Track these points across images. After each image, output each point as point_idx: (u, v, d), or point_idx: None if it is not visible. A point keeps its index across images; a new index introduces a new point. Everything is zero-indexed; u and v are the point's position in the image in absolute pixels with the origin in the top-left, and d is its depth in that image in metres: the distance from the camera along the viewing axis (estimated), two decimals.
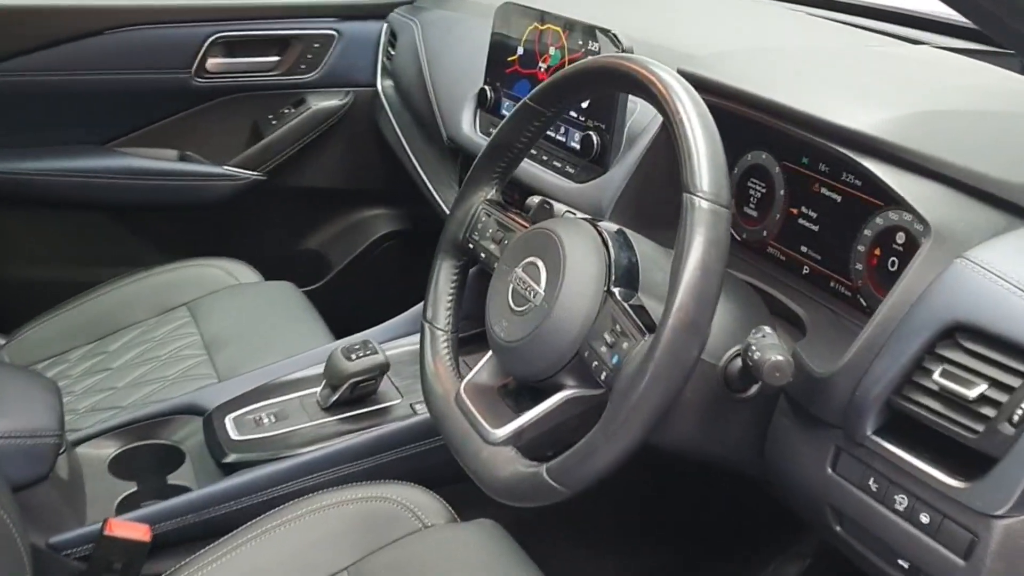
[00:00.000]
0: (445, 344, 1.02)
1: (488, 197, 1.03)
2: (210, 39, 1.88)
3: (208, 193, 1.93)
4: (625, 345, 0.77)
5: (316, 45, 1.97)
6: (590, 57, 0.95)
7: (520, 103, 0.98)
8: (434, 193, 1.66)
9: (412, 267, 2.19)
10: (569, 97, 0.95)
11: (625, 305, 0.80)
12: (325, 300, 1.92)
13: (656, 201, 1.11)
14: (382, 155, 2.07)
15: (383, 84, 2.00)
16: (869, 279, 0.91)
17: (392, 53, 1.93)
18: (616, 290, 0.83)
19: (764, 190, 1.05)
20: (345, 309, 2.07)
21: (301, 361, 1.44)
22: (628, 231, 0.90)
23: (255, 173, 1.96)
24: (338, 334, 1.66)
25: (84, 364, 1.65)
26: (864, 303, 0.91)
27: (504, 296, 0.91)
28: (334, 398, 1.31)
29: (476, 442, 0.89)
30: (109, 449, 1.35)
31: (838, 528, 0.81)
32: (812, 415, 0.81)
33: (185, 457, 1.35)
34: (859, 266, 0.92)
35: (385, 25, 1.98)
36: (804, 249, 0.99)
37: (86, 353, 1.68)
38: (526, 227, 0.97)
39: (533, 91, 0.96)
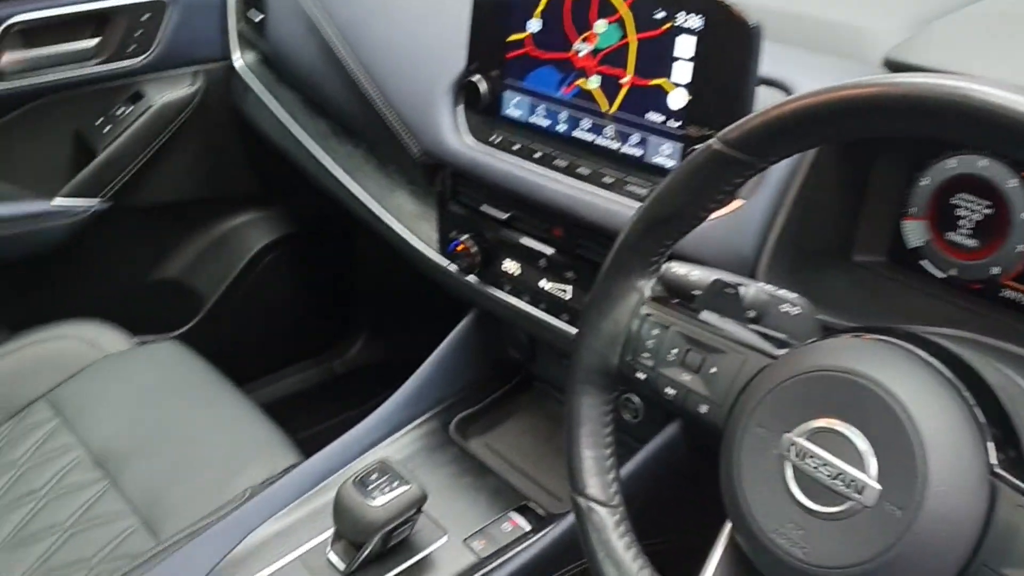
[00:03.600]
0: (619, 527, 0.66)
1: (648, 294, 0.67)
2: (2, 27, 1.34)
3: (37, 239, 1.42)
4: None
5: (144, 17, 1.47)
6: (900, 78, 0.53)
7: (706, 149, 0.61)
8: (371, 203, 1.25)
9: (303, 279, 1.78)
10: (819, 138, 0.60)
11: None
12: (206, 342, 1.50)
13: (819, 248, 0.80)
14: (248, 149, 1.61)
15: (245, 58, 1.53)
16: None
17: (259, 15, 1.46)
18: (1004, 470, 0.51)
19: (990, 210, 0.75)
20: (238, 344, 1.65)
21: (274, 495, 1.03)
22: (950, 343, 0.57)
23: (96, 201, 1.46)
24: (241, 380, 1.33)
25: None
26: None
27: (776, 482, 0.56)
28: (362, 556, 0.93)
29: None
30: None
31: None
32: None
33: None
34: None
35: None
36: None
37: None
38: (750, 348, 0.62)
39: (732, 130, 0.60)
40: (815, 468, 0.55)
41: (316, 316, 1.83)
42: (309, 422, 1.56)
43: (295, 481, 1.04)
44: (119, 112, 1.48)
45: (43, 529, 1.11)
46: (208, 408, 1.26)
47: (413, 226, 1.19)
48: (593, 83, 0.91)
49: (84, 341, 1.36)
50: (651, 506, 0.84)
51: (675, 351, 0.65)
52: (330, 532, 0.95)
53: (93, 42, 1.44)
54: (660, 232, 0.65)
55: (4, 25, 1.34)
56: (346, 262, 1.79)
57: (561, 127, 0.95)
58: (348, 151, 1.32)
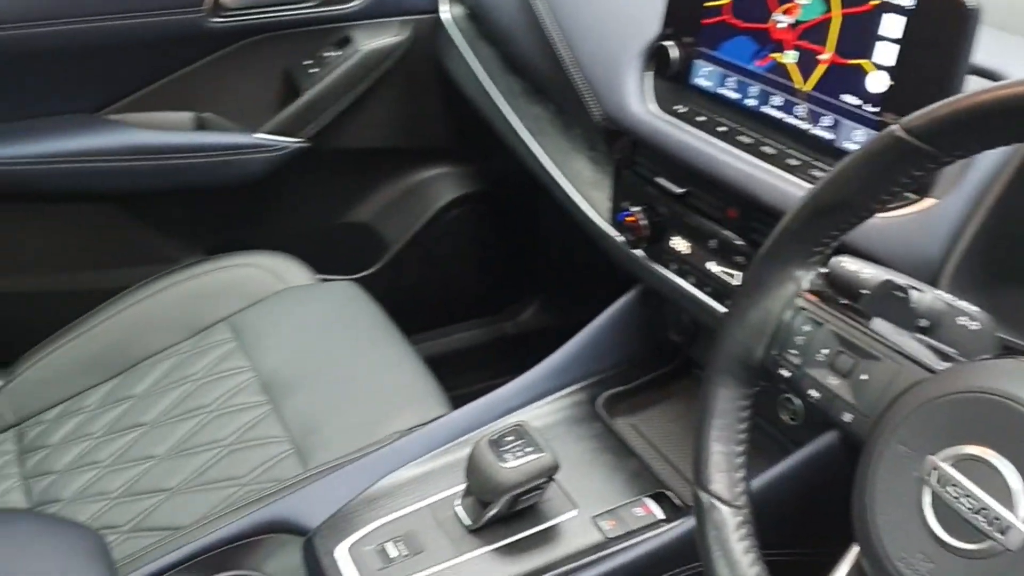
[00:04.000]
0: (739, 529, 0.62)
1: (805, 286, 0.62)
2: None
3: (237, 170, 1.49)
4: None
5: None
6: None
7: (886, 135, 0.55)
8: (549, 165, 1.23)
9: (486, 238, 1.79)
10: (1014, 135, 0.52)
11: None
12: (386, 287, 1.53)
13: (1013, 261, 0.71)
14: (448, 103, 1.62)
15: (452, 11, 1.54)
16: None
17: None
18: None
19: None
20: (416, 294, 1.68)
21: (417, 441, 1.05)
22: None
23: (296, 140, 1.51)
24: (408, 330, 1.33)
25: (107, 415, 1.28)
26: None
27: (911, 506, 0.51)
28: (488, 515, 0.92)
29: None
30: None
31: None
32: None
33: None
34: None
35: None
36: None
37: (106, 397, 1.31)
38: (909, 360, 0.56)
39: (918, 117, 0.54)
40: (956, 498, 0.49)
41: (494, 275, 1.84)
42: (474, 379, 1.57)
43: (437, 432, 1.05)
44: (326, 55, 1.53)
45: (205, 443, 1.17)
46: (373, 351, 1.28)
47: (587, 192, 1.16)
48: (790, 57, 0.85)
49: (269, 272, 1.42)
50: (788, 516, 0.78)
51: (825, 351, 0.59)
52: (461, 487, 0.95)
53: None
54: (826, 220, 0.59)
55: None
56: (529, 224, 1.79)
57: (750, 101, 0.89)
58: (536, 112, 1.31)
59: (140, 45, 1.41)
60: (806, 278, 0.62)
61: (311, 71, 1.52)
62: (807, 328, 0.61)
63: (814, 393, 0.60)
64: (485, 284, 1.82)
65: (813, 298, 0.61)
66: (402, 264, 1.70)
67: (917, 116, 0.54)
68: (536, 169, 1.26)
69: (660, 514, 0.96)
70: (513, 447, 0.91)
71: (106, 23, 1.36)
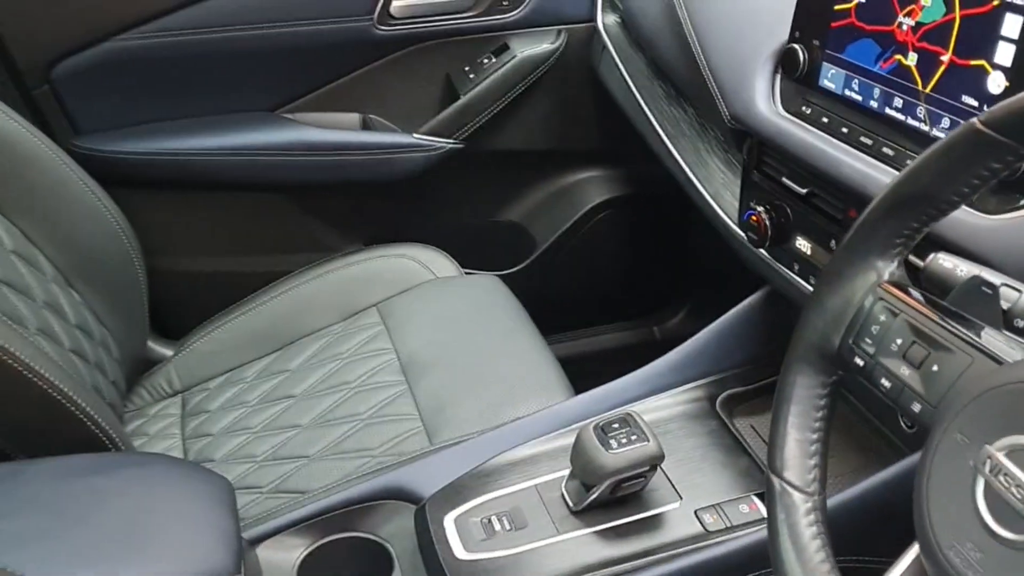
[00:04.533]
0: (809, 515, 0.63)
1: (886, 277, 0.62)
2: None
3: (396, 167, 1.58)
4: None
5: None
6: None
7: (967, 129, 0.55)
8: (687, 171, 1.25)
9: (635, 241, 1.81)
10: None
11: None
12: (531, 285, 1.58)
13: None
14: (599, 108, 1.66)
15: (606, 19, 1.58)
16: None
17: None
18: None
19: None
20: (556, 294, 1.72)
21: (537, 425, 1.09)
22: None
23: (451, 141, 1.59)
24: (551, 328, 1.39)
25: (262, 386, 1.38)
26: None
27: (964, 495, 0.51)
28: (589, 499, 0.95)
29: None
30: (297, 550, 1.04)
31: None
32: None
33: (394, 562, 1.03)
34: None
35: None
36: None
37: (263, 370, 1.42)
38: (981, 352, 0.55)
39: (997, 109, 0.54)
40: (1007, 488, 0.48)
41: (642, 279, 1.86)
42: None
43: (553, 417, 1.09)
44: (485, 61, 1.60)
45: (345, 416, 1.26)
46: (507, 341, 1.34)
47: (719, 193, 1.17)
48: (911, 59, 0.84)
49: (419, 263, 1.50)
50: (882, 523, 0.77)
51: (899, 341, 0.60)
52: (568, 470, 0.99)
53: None
54: (906, 212, 0.60)
55: None
56: (679, 229, 1.80)
57: (873, 103, 0.89)
58: (676, 115, 1.33)
59: (315, 50, 1.53)
60: (887, 269, 0.62)
61: (470, 76, 1.60)
62: (883, 318, 0.61)
63: (885, 383, 0.60)
64: (632, 288, 1.85)
65: (892, 289, 0.61)
66: (548, 264, 1.75)
67: (996, 108, 0.53)
68: (674, 170, 1.28)
69: (765, 513, 0.96)
70: (619, 434, 0.94)
71: (286, 29, 1.48)
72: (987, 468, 0.50)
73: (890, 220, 0.60)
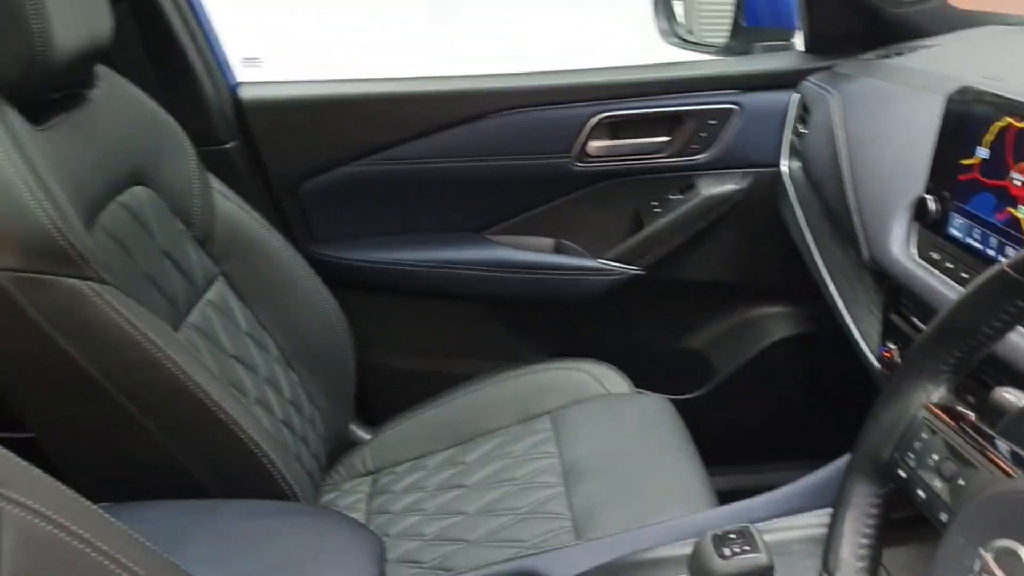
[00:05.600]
0: None
1: (933, 400, 0.69)
2: (594, 120, 1.69)
3: (582, 288, 1.74)
4: None
5: (712, 122, 1.70)
6: None
7: (995, 271, 0.63)
8: (843, 310, 1.31)
9: (817, 380, 1.84)
10: None
11: None
12: (704, 412, 1.65)
13: None
14: (783, 246, 1.74)
15: (789, 165, 1.68)
16: None
17: (802, 130, 1.60)
18: None
19: None
20: (728, 425, 1.78)
21: (668, 532, 1.17)
22: None
23: (633, 268, 1.73)
24: (717, 458, 1.44)
25: (441, 474, 1.53)
26: None
27: None
28: None
29: None
30: None
31: None
32: None
33: None
34: None
35: (796, 96, 1.66)
36: None
37: (444, 461, 1.57)
38: (1000, 468, 0.61)
39: (1017, 257, 0.61)
40: None
41: (820, 420, 1.88)
42: None
43: (685, 526, 1.16)
44: (672, 197, 1.74)
45: (506, 509, 1.38)
46: (665, 458, 1.42)
47: (868, 333, 1.23)
48: (1021, 212, 0.90)
49: (594, 378, 1.62)
50: None
51: (935, 457, 0.66)
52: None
53: (664, 139, 1.72)
54: (950, 343, 0.67)
55: (595, 119, 1.68)
56: (861, 373, 1.82)
57: (991, 251, 0.95)
58: (840, 255, 1.40)
59: (519, 181, 1.73)
60: (935, 392, 0.69)
61: (656, 210, 1.74)
62: (924, 435, 0.67)
63: (921, 494, 0.66)
64: (807, 428, 1.87)
65: (935, 410, 0.68)
66: (721, 394, 1.81)
67: (1021, 253, 0.61)
68: (832, 307, 1.35)
69: None
70: (734, 544, 1.00)
71: (493, 162, 1.70)
72: (978, 570, 0.55)
73: (937, 349, 0.68)
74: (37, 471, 0.70)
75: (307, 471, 1.42)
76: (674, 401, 1.59)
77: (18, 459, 0.70)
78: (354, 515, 1.49)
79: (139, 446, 1.13)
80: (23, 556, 0.64)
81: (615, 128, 1.71)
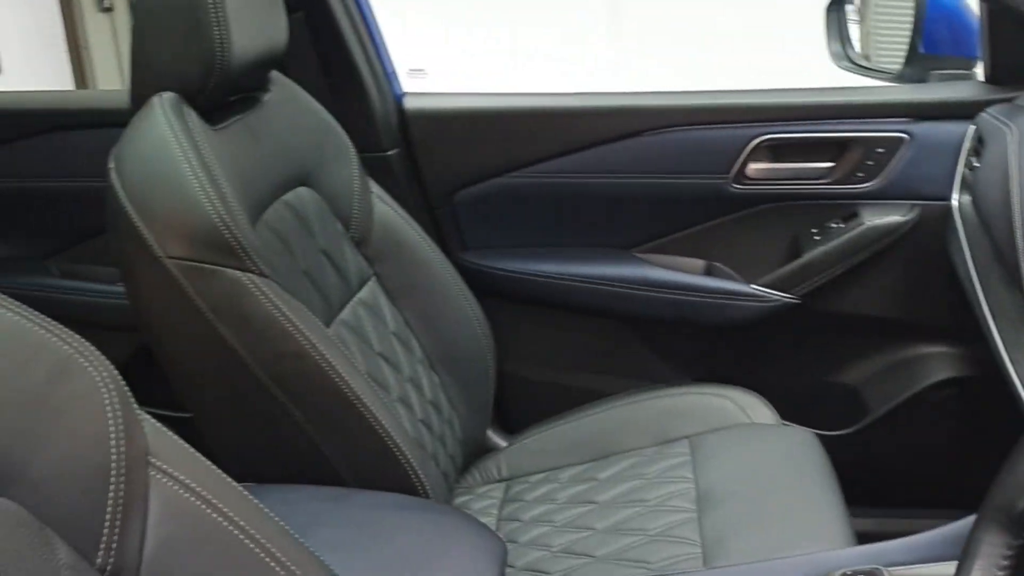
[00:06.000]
0: None
1: None
2: (754, 141, 1.65)
3: (731, 313, 1.70)
4: None
5: (880, 150, 1.64)
6: None
7: None
8: (1004, 355, 1.24)
9: (973, 427, 1.74)
10: None
11: None
12: (851, 450, 1.59)
13: None
14: (948, 283, 1.66)
15: (960, 200, 1.60)
16: None
17: (975, 164, 1.52)
18: None
19: None
20: (876, 466, 1.70)
21: (797, 567, 1.13)
22: None
23: (787, 296, 1.68)
24: (860, 498, 1.39)
25: (572, 488, 1.54)
26: None
27: None
28: None
29: None
30: None
31: None
32: None
33: None
34: None
35: (971, 128, 1.58)
36: None
37: (577, 475, 1.58)
38: None
39: None
40: None
41: (971, 465, 1.77)
42: None
43: (811, 563, 1.12)
44: (833, 225, 1.68)
45: (635, 529, 1.37)
46: (805, 492, 1.38)
47: None
48: None
49: (738, 406, 1.59)
50: None
51: None
52: None
53: (828, 165, 1.66)
54: None
55: (756, 140, 1.65)
56: (1020, 420, 1.71)
57: None
58: (1006, 298, 1.32)
59: (672, 200, 1.72)
60: None
61: (815, 238, 1.69)
62: None
63: None
64: (957, 474, 1.77)
65: None
66: (871, 433, 1.74)
67: None
68: (993, 350, 1.28)
69: None
70: None
71: (647, 180, 1.69)
72: None
73: None
74: (188, 447, 0.76)
75: (442, 472, 1.46)
76: (820, 436, 1.54)
77: (172, 434, 0.75)
78: (485, 520, 1.51)
79: (285, 432, 1.19)
80: (168, 524, 0.69)
81: (776, 151, 1.67)
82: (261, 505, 0.76)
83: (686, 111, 1.67)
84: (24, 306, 0.69)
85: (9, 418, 0.63)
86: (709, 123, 1.67)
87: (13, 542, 0.61)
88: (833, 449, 1.47)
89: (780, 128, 1.65)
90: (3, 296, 0.68)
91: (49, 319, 0.69)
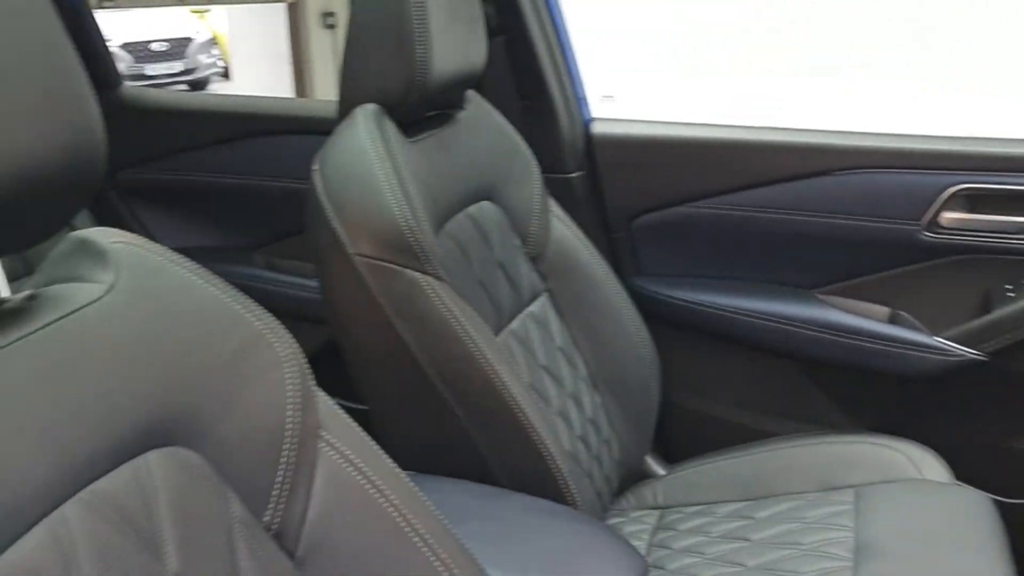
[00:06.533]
0: None
1: None
2: (951, 189, 1.59)
3: (913, 364, 1.64)
4: None
5: None
6: None
7: None
8: None
9: None
10: None
11: None
12: None
13: None
14: None
15: None
16: None
17: None
18: None
19: None
20: None
21: None
22: None
23: (973, 352, 1.60)
24: None
25: (727, 525, 1.53)
26: None
27: None
28: None
29: None
30: None
31: None
32: None
33: None
34: None
35: None
36: None
37: (734, 512, 1.56)
38: None
39: None
40: None
41: None
42: None
43: None
44: None
45: (786, 571, 1.34)
46: (970, 559, 1.30)
47: None
48: None
49: (909, 459, 1.53)
50: None
51: None
52: None
53: None
54: None
55: (952, 189, 1.59)
56: None
57: None
58: None
59: (859, 244, 1.68)
60: None
61: (1009, 294, 1.61)
62: None
63: None
64: None
65: None
66: None
67: None
68: None
69: None
70: None
71: (833, 220, 1.66)
72: None
73: None
74: (358, 428, 0.82)
75: (596, 490, 1.48)
76: (997, 502, 1.46)
77: (344, 415, 0.82)
78: (635, 543, 1.52)
79: (448, 429, 1.25)
80: (330, 492, 0.76)
81: (974, 200, 1.60)
82: (417, 489, 0.82)
83: (880, 153, 1.63)
84: (227, 285, 0.77)
85: (204, 380, 0.71)
86: (904, 168, 1.62)
87: (197, 489, 0.68)
88: (1010, 517, 1.39)
89: (980, 178, 1.58)
90: (212, 275, 0.77)
91: (247, 298, 0.78)
